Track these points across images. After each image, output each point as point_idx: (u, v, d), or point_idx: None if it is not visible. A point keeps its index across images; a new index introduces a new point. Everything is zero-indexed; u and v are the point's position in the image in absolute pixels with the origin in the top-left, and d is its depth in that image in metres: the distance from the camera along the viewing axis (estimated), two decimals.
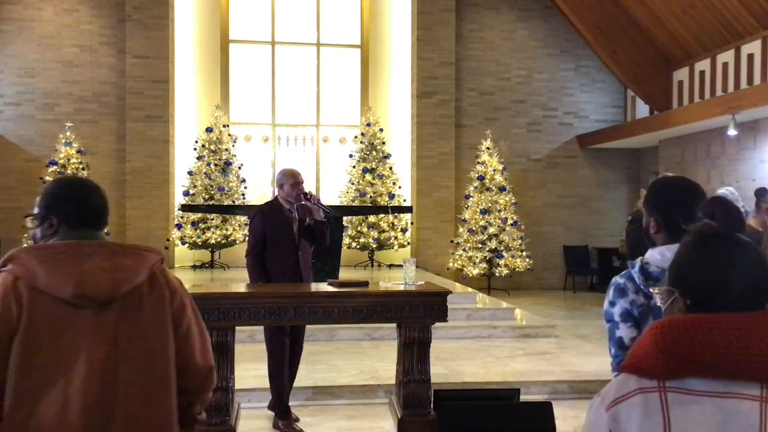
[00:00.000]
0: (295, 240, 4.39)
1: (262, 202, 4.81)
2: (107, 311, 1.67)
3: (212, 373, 1.86)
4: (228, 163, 11.15)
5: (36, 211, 1.79)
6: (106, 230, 2.08)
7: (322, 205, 4.54)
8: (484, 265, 10.86)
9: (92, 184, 1.89)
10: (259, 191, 11.88)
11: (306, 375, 5.45)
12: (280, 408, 4.41)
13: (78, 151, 10.37)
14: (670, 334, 1.15)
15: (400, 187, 11.66)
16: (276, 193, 4.61)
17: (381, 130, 11.68)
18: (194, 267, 11.19)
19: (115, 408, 1.62)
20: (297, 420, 4.46)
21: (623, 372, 1.21)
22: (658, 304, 1.31)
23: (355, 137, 11.91)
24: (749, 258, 1.21)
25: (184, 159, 11.50)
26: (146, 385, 1.67)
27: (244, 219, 10.92)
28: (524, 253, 10.96)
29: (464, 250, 10.99)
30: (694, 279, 1.22)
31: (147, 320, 1.71)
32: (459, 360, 6.14)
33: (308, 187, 12.01)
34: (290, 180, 4.44)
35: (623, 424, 1.17)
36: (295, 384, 5.18)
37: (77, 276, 1.64)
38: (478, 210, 10.94)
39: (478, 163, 11.21)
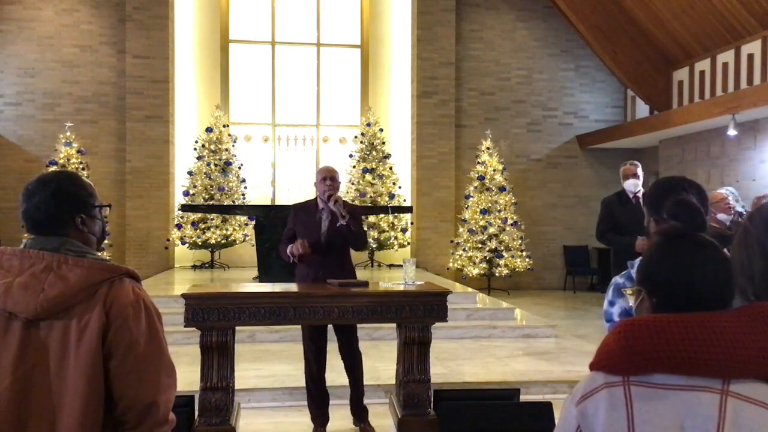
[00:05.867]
0: (320, 240, 4.26)
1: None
2: (37, 327, 1.60)
3: (154, 410, 1.63)
4: (228, 163, 11.15)
5: None
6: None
7: (340, 209, 4.20)
8: (484, 265, 10.86)
9: (42, 182, 1.71)
10: (259, 191, 11.90)
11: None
12: (320, 421, 4.29)
13: (78, 151, 10.37)
14: (632, 333, 1.19)
15: (400, 187, 11.66)
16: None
17: (381, 130, 11.69)
18: (194, 267, 11.19)
19: (28, 421, 1.58)
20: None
21: (592, 370, 1.25)
22: (630, 303, 1.35)
23: (355, 137, 11.91)
24: (712, 258, 1.24)
25: (184, 159, 11.50)
26: (62, 405, 1.58)
27: (244, 219, 10.93)
28: (524, 253, 10.97)
29: (464, 250, 10.99)
30: (659, 279, 1.26)
31: (73, 342, 1.59)
32: (459, 360, 6.14)
33: (308, 187, 12.09)
34: (318, 176, 4.32)
35: (590, 418, 1.21)
36: (295, 384, 5.17)
37: (5, 288, 1.59)
38: (478, 210, 10.94)
39: (478, 163, 11.21)
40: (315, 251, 4.26)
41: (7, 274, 1.62)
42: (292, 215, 4.37)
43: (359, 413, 4.38)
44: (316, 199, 4.39)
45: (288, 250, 4.23)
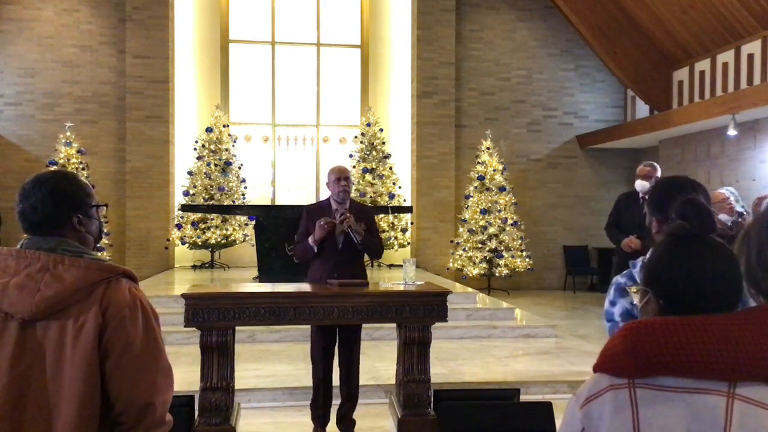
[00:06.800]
0: (335, 242, 4.21)
1: (311, 202, 4.46)
2: (33, 327, 1.59)
3: (151, 411, 1.63)
4: (228, 163, 11.15)
5: None
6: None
7: (353, 233, 4.16)
8: (484, 265, 10.85)
9: (39, 182, 1.69)
10: (259, 191, 11.90)
11: (305, 375, 5.44)
12: (320, 422, 4.27)
13: (78, 151, 10.37)
14: (639, 335, 1.17)
15: (400, 187, 11.66)
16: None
17: (381, 130, 11.68)
18: (194, 267, 11.19)
19: (25, 422, 1.57)
20: None
21: (596, 372, 1.23)
22: (635, 302, 1.33)
23: (355, 137, 11.91)
24: (720, 259, 1.22)
25: (184, 159, 11.50)
26: (59, 405, 1.58)
27: (244, 219, 10.93)
28: (524, 253, 10.96)
29: (464, 250, 10.99)
30: (666, 280, 1.24)
31: (69, 343, 1.58)
32: (459, 360, 6.14)
33: (309, 187, 12.08)
34: (332, 177, 4.27)
35: (595, 421, 1.19)
36: (295, 384, 5.18)
37: (0, 289, 1.59)
38: (478, 210, 10.94)
39: (478, 163, 11.21)
40: (331, 253, 4.23)
41: (3, 274, 1.61)
42: (305, 216, 4.32)
43: (347, 426, 4.32)
44: (329, 199, 4.35)
45: (310, 241, 4.17)
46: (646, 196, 5.53)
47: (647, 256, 1.96)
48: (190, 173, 11.12)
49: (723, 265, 1.22)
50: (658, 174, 5.50)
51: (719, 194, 4.85)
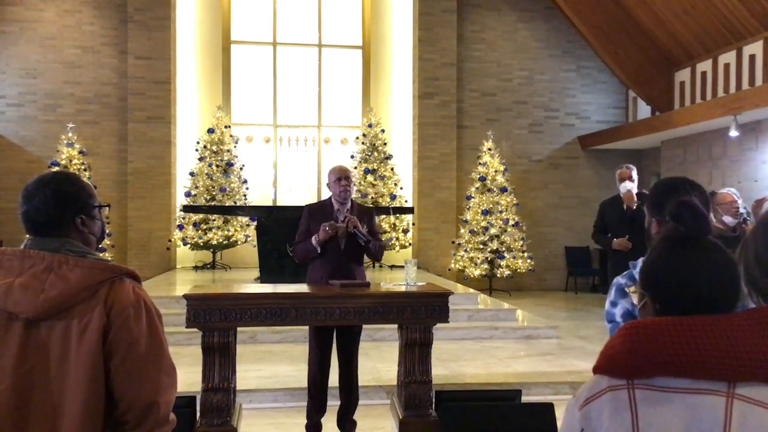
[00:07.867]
0: (338, 243, 4.18)
1: (309, 202, 4.42)
2: (37, 327, 1.60)
3: (155, 410, 1.64)
4: (229, 164, 11.16)
5: None
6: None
7: (358, 231, 4.15)
8: (485, 266, 10.85)
9: (41, 183, 1.70)
10: (260, 192, 11.90)
11: (306, 376, 5.44)
12: (314, 428, 4.26)
13: (80, 152, 10.39)
14: (638, 336, 1.17)
15: (401, 188, 11.66)
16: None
17: (382, 131, 11.69)
18: (196, 268, 11.20)
19: (29, 421, 1.58)
20: None
21: (595, 373, 1.23)
22: (634, 302, 1.33)
23: (357, 138, 11.91)
24: (716, 261, 1.22)
25: (185, 160, 11.51)
26: (63, 405, 1.58)
27: (245, 220, 10.94)
28: (526, 254, 10.96)
29: (466, 251, 10.99)
30: (662, 283, 1.24)
31: (74, 342, 1.59)
32: (460, 361, 6.14)
33: (310, 188, 12.07)
34: (332, 177, 4.23)
35: (594, 422, 1.19)
36: (296, 385, 5.17)
37: (5, 289, 1.60)
38: (480, 211, 10.94)
39: (480, 163, 11.21)
40: (333, 254, 4.22)
41: (7, 274, 1.62)
42: (306, 215, 4.30)
43: (348, 427, 4.32)
44: (330, 199, 4.32)
45: (313, 241, 4.15)
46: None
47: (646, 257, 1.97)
48: (191, 174, 11.13)
49: (718, 267, 1.22)
50: (635, 173, 5.57)
51: (727, 195, 4.84)
